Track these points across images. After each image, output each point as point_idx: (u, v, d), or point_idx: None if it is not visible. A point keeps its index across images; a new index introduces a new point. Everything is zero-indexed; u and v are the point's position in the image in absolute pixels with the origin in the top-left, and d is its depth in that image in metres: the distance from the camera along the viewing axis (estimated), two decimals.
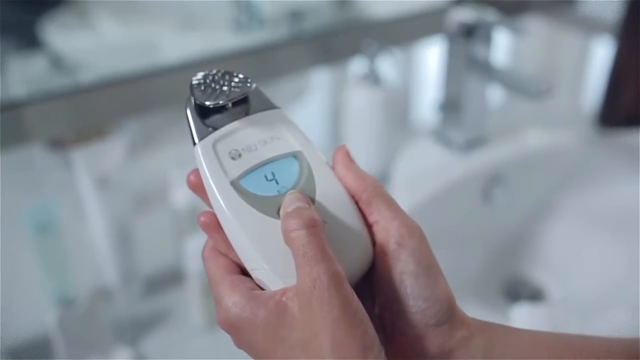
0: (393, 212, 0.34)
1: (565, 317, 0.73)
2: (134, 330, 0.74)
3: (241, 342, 0.34)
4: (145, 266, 0.81)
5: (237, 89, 0.36)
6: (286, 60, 1.03)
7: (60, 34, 0.92)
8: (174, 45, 0.99)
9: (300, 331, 0.30)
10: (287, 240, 0.32)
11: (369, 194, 0.35)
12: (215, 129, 0.36)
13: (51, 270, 0.66)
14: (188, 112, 0.37)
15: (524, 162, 0.92)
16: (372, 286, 0.35)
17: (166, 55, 0.97)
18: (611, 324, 0.72)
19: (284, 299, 0.31)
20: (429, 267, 0.33)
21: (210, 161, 0.35)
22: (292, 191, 0.34)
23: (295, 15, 1.07)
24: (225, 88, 0.36)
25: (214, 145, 0.36)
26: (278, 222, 0.33)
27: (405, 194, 0.83)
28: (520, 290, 0.86)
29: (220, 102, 0.36)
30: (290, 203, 0.33)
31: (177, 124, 1.06)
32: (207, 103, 0.36)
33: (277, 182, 0.35)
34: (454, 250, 0.85)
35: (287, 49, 1.03)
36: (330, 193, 0.35)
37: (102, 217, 0.75)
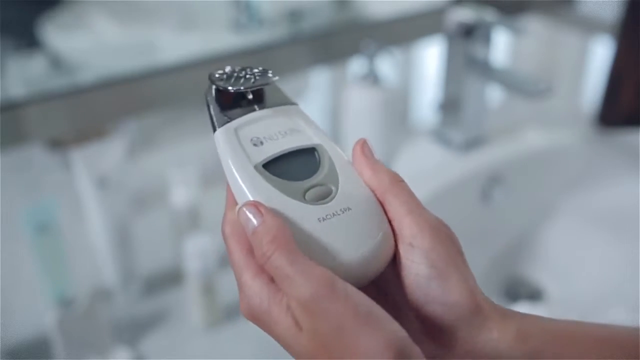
0: (405, 209, 0.33)
1: (564, 317, 0.72)
2: (133, 331, 0.74)
3: (265, 330, 0.33)
4: (144, 266, 0.81)
5: (258, 78, 0.36)
6: (285, 60, 1.03)
7: (59, 34, 0.92)
8: (173, 45, 0.99)
9: (311, 340, 0.30)
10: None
11: (382, 190, 0.34)
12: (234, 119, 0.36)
13: (50, 270, 0.66)
14: (208, 100, 0.37)
15: (524, 162, 0.92)
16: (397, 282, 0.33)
17: (165, 55, 0.97)
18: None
19: (290, 307, 0.30)
20: (444, 269, 0.31)
21: (233, 146, 0.35)
22: (242, 205, 0.33)
23: (295, 15, 1.07)
24: (248, 76, 0.37)
25: (236, 132, 0.36)
26: (304, 205, 0.33)
27: None
28: (520, 290, 0.86)
29: (242, 87, 0.36)
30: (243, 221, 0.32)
31: (177, 124, 1.06)
32: (230, 88, 0.36)
33: (300, 170, 0.35)
34: None
35: (286, 49, 1.02)
36: (353, 182, 0.35)
37: (102, 217, 0.75)
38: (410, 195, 0.34)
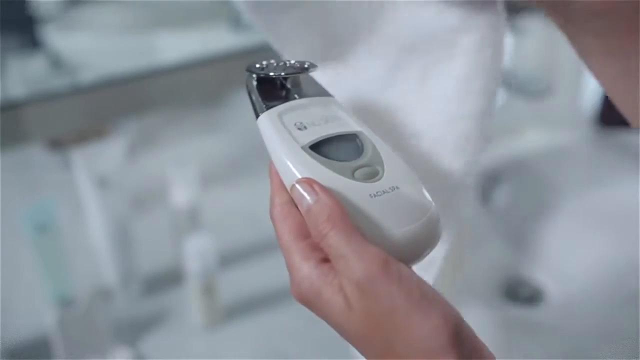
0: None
1: (565, 317, 0.72)
2: (134, 330, 0.74)
3: (315, 312, 0.32)
4: (144, 266, 0.81)
5: (297, 65, 0.38)
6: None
7: (59, 34, 0.92)
8: (173, 45, 0.99)
9: (363, 320, 0.30)
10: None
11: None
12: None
13: (50, 270, 0.66)
14: (249, 88, 0.39)
15: (524, 162, 0.92)
16: None
17: (165, 55, 0.97)
18: (611, 323, 0.72)
19: (342, 286, 0.30)
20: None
21: (278, 128, 0.36)
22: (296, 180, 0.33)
23: None
24: (288, 65, 0.39)
25: (280, 116, 0.37)
26: (355, 182, 0.33)
27: None
28: (520, 290, 0.86)
29: (283, 73, 0.38)
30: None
31: (177, 124, 1.06)
32: (272, 74, 0.38)
33: (346, 152, 0.35)
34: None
35: None
36: (397, 164, 0.36)
37: (102, 217, 0.75)
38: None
